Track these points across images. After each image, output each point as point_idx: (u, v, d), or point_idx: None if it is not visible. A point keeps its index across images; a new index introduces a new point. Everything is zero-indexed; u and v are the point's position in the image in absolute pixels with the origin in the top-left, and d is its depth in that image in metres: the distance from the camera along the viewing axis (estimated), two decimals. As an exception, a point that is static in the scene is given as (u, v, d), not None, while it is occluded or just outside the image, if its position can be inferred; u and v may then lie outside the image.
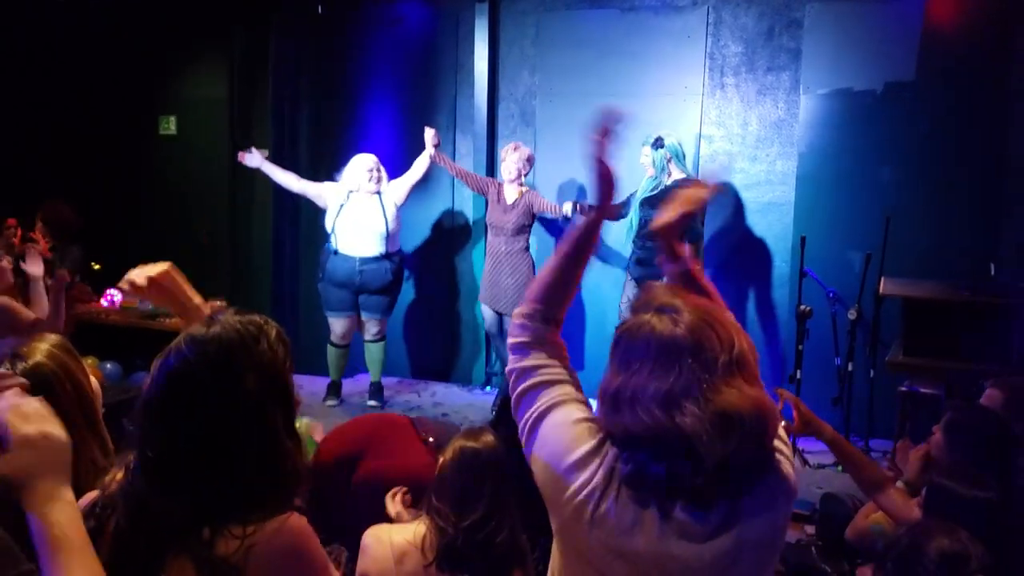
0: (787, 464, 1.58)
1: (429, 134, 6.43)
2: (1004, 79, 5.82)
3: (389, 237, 6.35)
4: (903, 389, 5.18)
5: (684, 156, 6.03)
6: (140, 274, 2.00)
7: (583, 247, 1.78)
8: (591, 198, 1.72)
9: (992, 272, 5.61)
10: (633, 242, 6.05)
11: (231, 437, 1.53)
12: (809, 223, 6.15)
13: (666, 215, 1.88)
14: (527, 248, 6.36)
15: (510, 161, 6.32)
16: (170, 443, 1.54)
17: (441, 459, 2.87)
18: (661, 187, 5.91)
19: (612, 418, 1.53)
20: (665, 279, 1.92)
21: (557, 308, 1.76)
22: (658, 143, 5.92)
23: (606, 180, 1.76)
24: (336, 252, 6.39)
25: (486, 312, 6.54)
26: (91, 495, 1.71)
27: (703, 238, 6.08)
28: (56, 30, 6.92)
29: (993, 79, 5.85)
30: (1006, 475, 2.74)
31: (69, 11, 5.87)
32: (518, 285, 6.19)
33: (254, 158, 6.55)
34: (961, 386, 4.74)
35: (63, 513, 1.33)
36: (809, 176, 6.28)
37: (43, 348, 2.10)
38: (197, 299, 2.04)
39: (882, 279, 5.30)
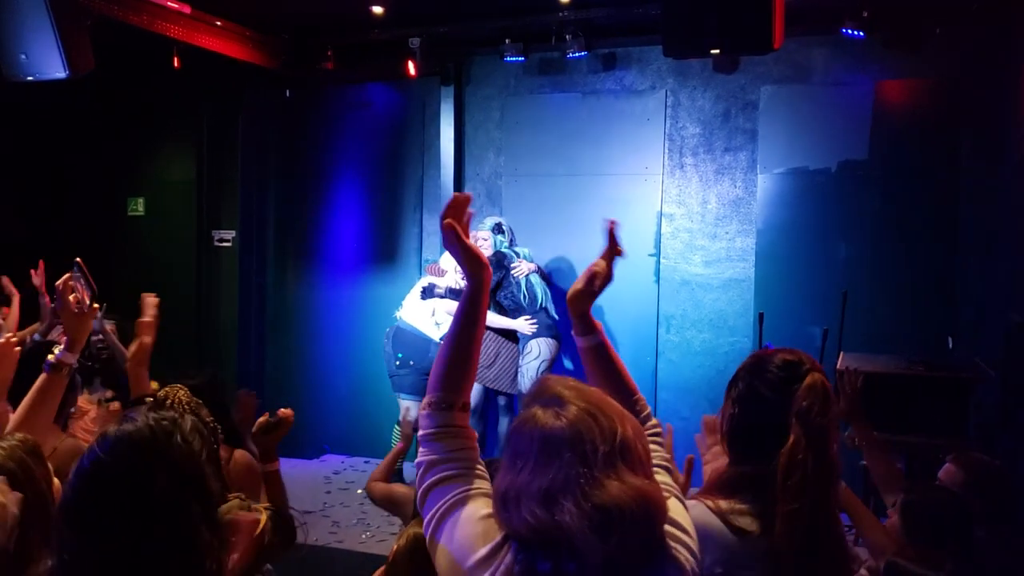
0: (684, 551, 1.54)
1: None
2: (953, 157, 6.00)
3: None
4: (864, 463, 5.20)
5: (511, 239, 6.48)
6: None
7: (471, 325, 1.75)
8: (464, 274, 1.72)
9: (950, 345, 5.70)
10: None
11: (145, 537, 1.50)
12: (768, 299, 6.25)
13: (576, 284, 1.90)
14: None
15: (484, 249, 6.43)
16: (84, 546, 1.51)
17: (395, 546, 2.86)
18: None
19: (503, 517, 1.50)
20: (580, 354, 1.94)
21: (458, 391, 1.73)
22: (498, 228, 6.40)
23: (471, 253, 1.74)
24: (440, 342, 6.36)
25: (474, 388, 6.59)
26: None
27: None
28: (27, 111, 6.97)
29: (943, 158, 6.03)
30: (965, 553, 2.76)
31: (40, 93, 5.94)
32: (502, 360, 6.40)
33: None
34: (921, 461, 4.78)
35: None
36: (767, 253, 6.40)
37: (5, 446, 2.05)
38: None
39: (840, 353, 5.37)
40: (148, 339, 3.11)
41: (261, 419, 3.29)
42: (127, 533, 1.50)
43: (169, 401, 3.23)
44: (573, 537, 1.39)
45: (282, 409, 3.35)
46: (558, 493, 1.41)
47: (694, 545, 1.59)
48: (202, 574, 1.54)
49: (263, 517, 2.98)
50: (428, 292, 6.34)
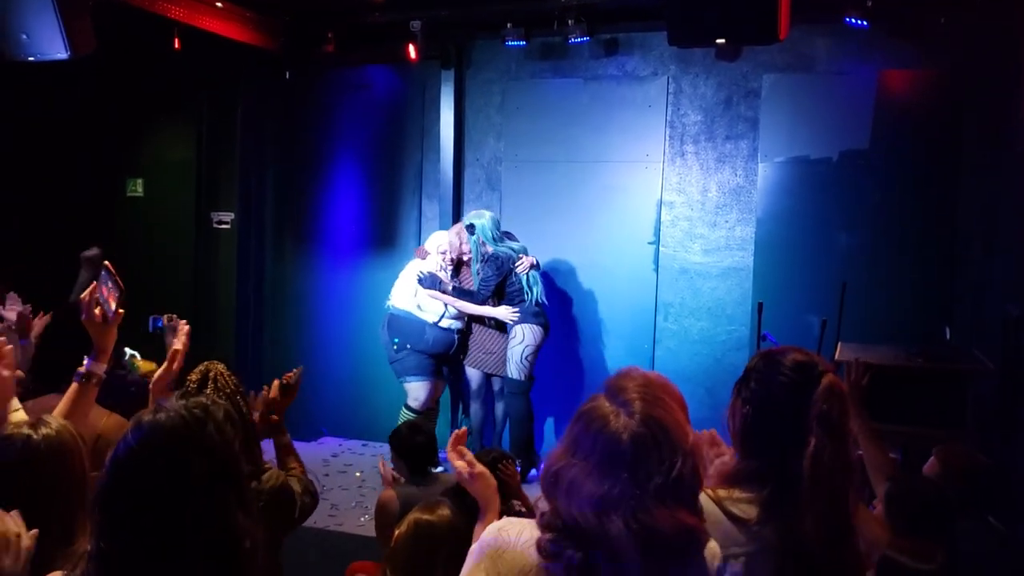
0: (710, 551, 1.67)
1: None
2: (955, 148, 6.00)
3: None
4: (860, 453, 5.21)
5: (493, 236, 6.31)
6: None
7: None
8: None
9: (948, 336, 5.71)
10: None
11: (182, 524, 1.53)
12: (767, 288, 6.26)
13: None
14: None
15: (465, 254, 6.50)
16: (121, 533, 1.53)
17: (396, 531, 2.88)
18: (479, 262, 6.34)
19: (550, 492, 1.60)
20: None
21: None
22: (471, 229, 6.32)
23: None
24: (437, 324, 6.38)
25: (472, 374, 6.66)
26: (55, 575, 1.72)
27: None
28: (25, 92, 6.93)
29: (944, 149, 6.03)
30: (950, 543, 2.79)
31: (38, 74, 5.92)
32: (500, 347, 6.45)
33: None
34: (918, 452, 4.79)
35: None
36: (767, 242, 6.41)
37: (56, 427, 2.15)
38: None
39: (839, 344, 5.37)
40: (176, 366, 3.12)
41: (275, 384, 3.36)
42: (162, 521, 1.53)
43: (212, 374, 3.27)
44: (617, 548, 1.50)
45: (288, 373, 3.45)
46: (610, 507, 1.52)
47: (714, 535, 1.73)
48: (240, 556, 1.58)
49: (296, 484, 3.10)
50: (430, 282, 6.32)
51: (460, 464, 2.17)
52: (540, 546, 1.58)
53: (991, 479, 3.35)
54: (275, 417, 3.38)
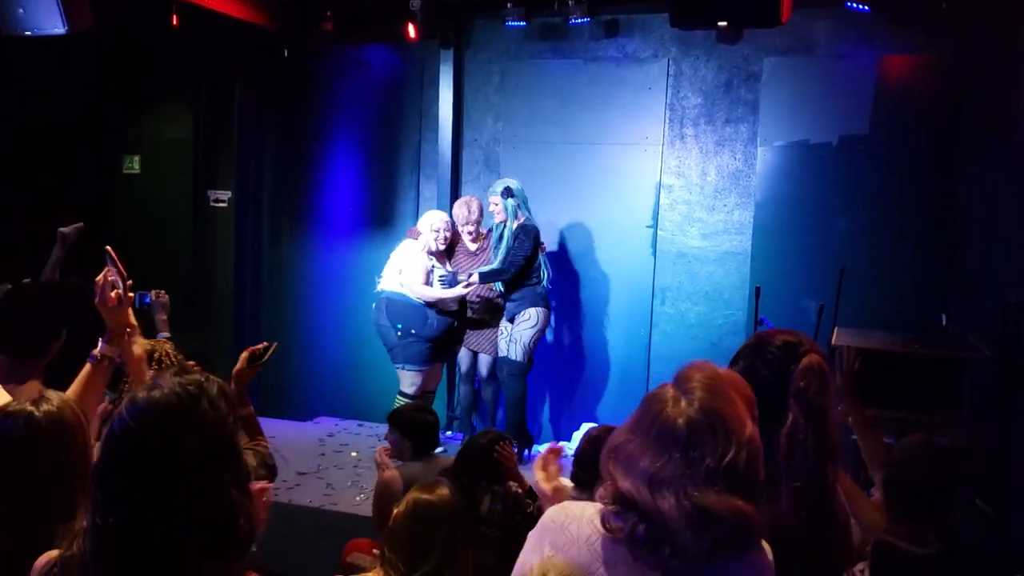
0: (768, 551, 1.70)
1: None
2: (955, 134, 5.99)
3: None
4: (855, 438, 5.23)
5: (527, 203, 6.25)
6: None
7: None
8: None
9: (943, 323, 5.72)
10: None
11: (175, 499, 1.53)
12: (765, 272, 6.26)
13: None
14: (499, 293, 6.45)
15: (471, 224, 6.44)
16: (116, 508, 1.54)
17: (395, 510, 2.89)
18: (507, 231, 6.22)
19: (608, 466, 1.65)
20: None
21: None
22: (507, 192, 6.19)
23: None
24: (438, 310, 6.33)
25: (463, 355, 6.66)
26: (51, 554, 1.72)
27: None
28: (23, 67, 6.88)
29: (944, 134, 6.02)
30: (947, 529, 2.81)
31: (35, 49, 5.89)
32: (492, 327, 6.43)
33: None
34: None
35: None
36: (766, 226, 6.40)
37: (57, 403, 2.14)
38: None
39: (835, 329, 5.38)
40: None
41: (244, 354, 3.32)
42: (156, 497, 1.53)
43: (157, 355, 3.27)
44: (669, 523, 1.54)
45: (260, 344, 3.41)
46: (663, 483, 1.55)
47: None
48: (236, 533, 1.58)
49: (251, 457, 3.09)
50: (450, 282, 6.28)
51: (541, 475, 2.17)
52: (604, 519, 1.62)
53: (957, 461, 3.33)
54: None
